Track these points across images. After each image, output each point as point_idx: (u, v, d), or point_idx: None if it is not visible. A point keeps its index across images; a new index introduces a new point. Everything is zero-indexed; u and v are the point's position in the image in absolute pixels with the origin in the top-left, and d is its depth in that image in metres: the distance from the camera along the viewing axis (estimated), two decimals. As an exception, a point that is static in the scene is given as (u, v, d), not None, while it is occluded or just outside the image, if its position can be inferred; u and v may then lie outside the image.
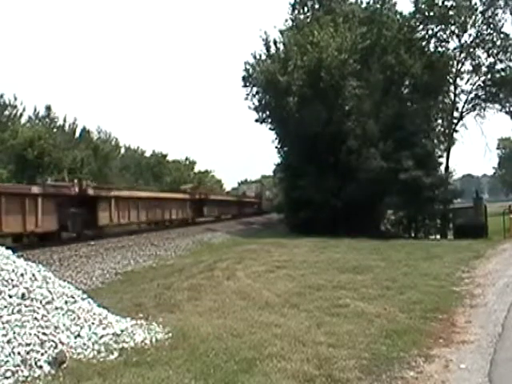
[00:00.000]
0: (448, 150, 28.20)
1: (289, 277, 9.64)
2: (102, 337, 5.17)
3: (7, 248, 5.99)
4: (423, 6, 26.27)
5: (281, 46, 24.97)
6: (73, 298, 5.59)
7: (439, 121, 29.35)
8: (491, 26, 26.81)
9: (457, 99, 28.58)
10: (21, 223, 13.29)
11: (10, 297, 4.90)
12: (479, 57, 27.71)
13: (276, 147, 26.67)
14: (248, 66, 25.50)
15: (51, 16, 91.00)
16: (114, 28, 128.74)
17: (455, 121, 28.61)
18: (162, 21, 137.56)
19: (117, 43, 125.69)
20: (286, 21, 27.38)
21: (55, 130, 39.36)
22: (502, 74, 27.24)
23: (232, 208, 36.76)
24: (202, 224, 26.78)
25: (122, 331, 5.45)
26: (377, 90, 24.11)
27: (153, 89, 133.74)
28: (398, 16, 26.72)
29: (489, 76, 27.83)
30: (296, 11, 27.66)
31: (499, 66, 27.49)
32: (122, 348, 5.06)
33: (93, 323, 5.34)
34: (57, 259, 12.14)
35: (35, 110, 39.07)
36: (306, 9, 28.08)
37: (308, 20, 26.29)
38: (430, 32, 26.90)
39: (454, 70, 27.85)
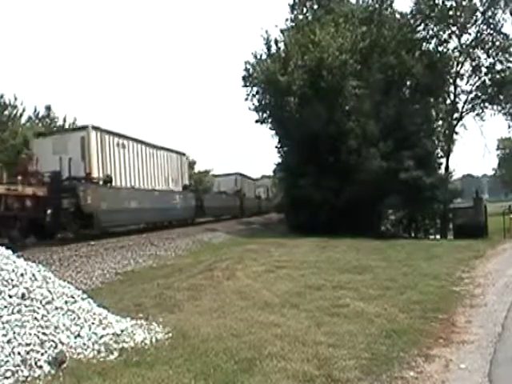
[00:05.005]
0: (448, 150, 28.22)
1: (289, 277, 9.62)
2: (102, 337, 5.16)
3: (7, 248, 6.00)
4: (423, 6, 26.26)
5: (281, 46, 24.89)
6: (73, 297, 5.58)
7: (439, 121, 29.38)
8: (491, 26, 26.84)
9: (457, 99, 28.64)
10: None
11: (10, 297, 4.89)
12: (479, 57, 27.78)
13: (276, 147, 26.59)
14: (248, 66, 25.37)
15: (51, 16, 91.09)
16: (114, 28, 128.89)
17: (455, 121, 28.64)
18: (162, 20, 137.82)
19: (117, 43, 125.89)
20: (287, 20, 27.34)
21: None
22: (502, 75, 27.26)
23: None
24: (203, 224, 26.76)
25: (122, 331, 5.45)
26: (377, 90, 24.07)
27: (153, 89, 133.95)
28: (398, 16, 26.72)
29: (489, 76, 27.86)
30: (295, 11, 27.63)
31: (499, 67, 27.55)
32: (122, 348, 5.06)
33: (93, 323, 5.33)
34: (57, 259, 12.12)
35: (35, 110, 38.75)
36: (304, 9, 28.05)
37: (308, 20, 26.24)
38: (431, 32, 26.91)
39: (454, 70, 27.87)
